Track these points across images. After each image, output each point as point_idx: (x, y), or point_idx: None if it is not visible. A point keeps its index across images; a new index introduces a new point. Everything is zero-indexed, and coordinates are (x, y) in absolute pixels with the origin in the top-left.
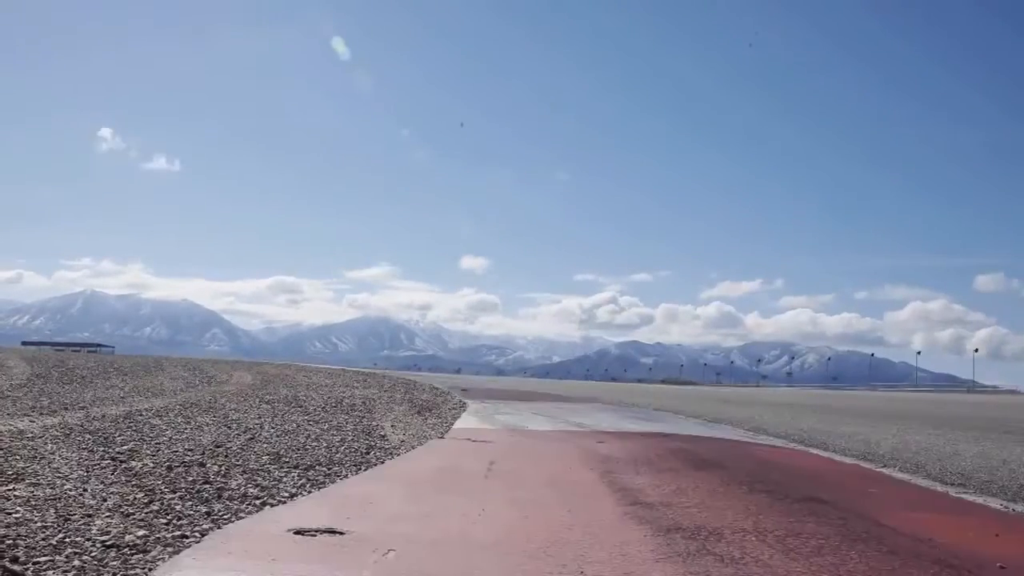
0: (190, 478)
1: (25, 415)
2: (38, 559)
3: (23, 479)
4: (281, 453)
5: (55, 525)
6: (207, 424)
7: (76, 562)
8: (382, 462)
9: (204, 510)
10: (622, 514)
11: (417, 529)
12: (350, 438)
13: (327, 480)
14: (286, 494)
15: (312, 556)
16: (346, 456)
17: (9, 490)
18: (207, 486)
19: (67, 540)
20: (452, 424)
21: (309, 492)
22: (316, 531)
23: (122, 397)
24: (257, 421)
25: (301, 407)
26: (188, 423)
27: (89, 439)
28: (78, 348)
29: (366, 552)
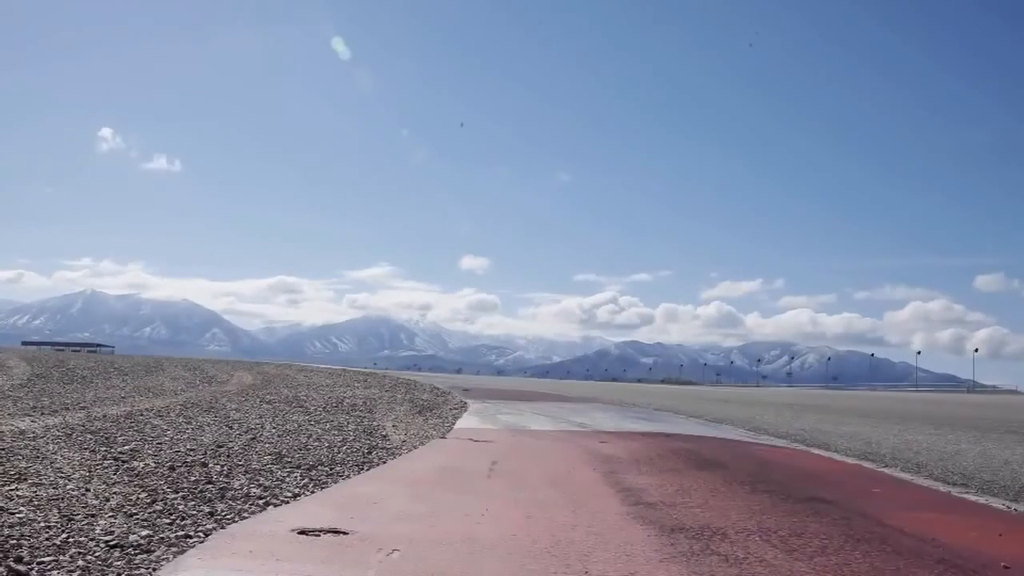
0: (192, 478)
1: (26, 415)
2: (42, 559)
3: (25, 479)
4: (283, 453)
5: (58, 525)
6: (208, 424)
7: (80, 562)
8: (384, 462)
9: (207, 510)
10: (625, 514)
11: (421, 529)
12: (352, 438)
13: (330, 480)
14: (289, 494)
15: (316, 556)
16: (348, 456)
17: (12, 490)
18: (210, 486)
19: (71, 540)
20: (454, 424)
21: (312, 492)
22: (320, 531)
23: (123, 397)
24: (258, 421)
25: (302, 407)
26: (189, 423)
27: (91, 439)
28: (78, 348)
29: (371, 552)
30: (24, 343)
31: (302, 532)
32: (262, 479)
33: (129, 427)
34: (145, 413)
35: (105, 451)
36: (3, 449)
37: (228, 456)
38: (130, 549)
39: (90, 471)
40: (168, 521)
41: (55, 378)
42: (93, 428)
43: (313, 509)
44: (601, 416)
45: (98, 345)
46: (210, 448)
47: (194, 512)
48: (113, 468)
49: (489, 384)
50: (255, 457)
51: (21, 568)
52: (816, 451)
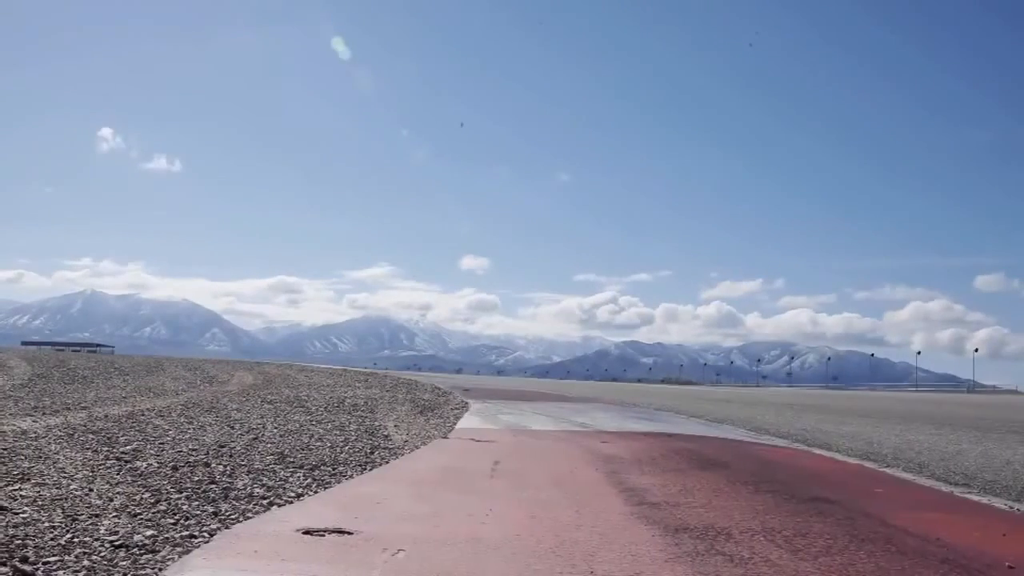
0: (195, 478)
1: (28, 415)
2: (47, 559)
3: (28, 479)
4: (285, 453)
5: (63, 525)
6: (210, 424)
7: (86, 562)
8: (387, 462)
9: (211, 510)
10: (629, 514)
11: (426, 529)
12: (353, 438)
13: (333, 480)
14: (292, 494)
15: (322, 556)
16: (350, 456)
17: (15, 490)
18: (213, 486)
19: (75, 540)
20: (455, 424)
21: (315, 492)
22: (325, 531)
23: (124, 397)
24: (260, 421)
25: (303, 407)
26: (191, 423)
27: (92, 439)
28: (78, 348)
29: (376, 552)
30: (24, 343)
31: (307, 532)
32: (265, 479)
33: (131, 427)
34: (147, 413)
35: (107, 451)
36: (5, 449)
37: (231, 456)
38: (135, 549)
39: (93, 471)
40: (172, 521)
41: (56, 378)
42: (95, 428)
43: (317, 509)
44: (602, 416)
45: (98, 345)
46: (212, 448)
47: (198, 512)
48: (116, 468)
49: (489, 384)
50: (257, 457)
51: (27, 568)
52: (818, 451)
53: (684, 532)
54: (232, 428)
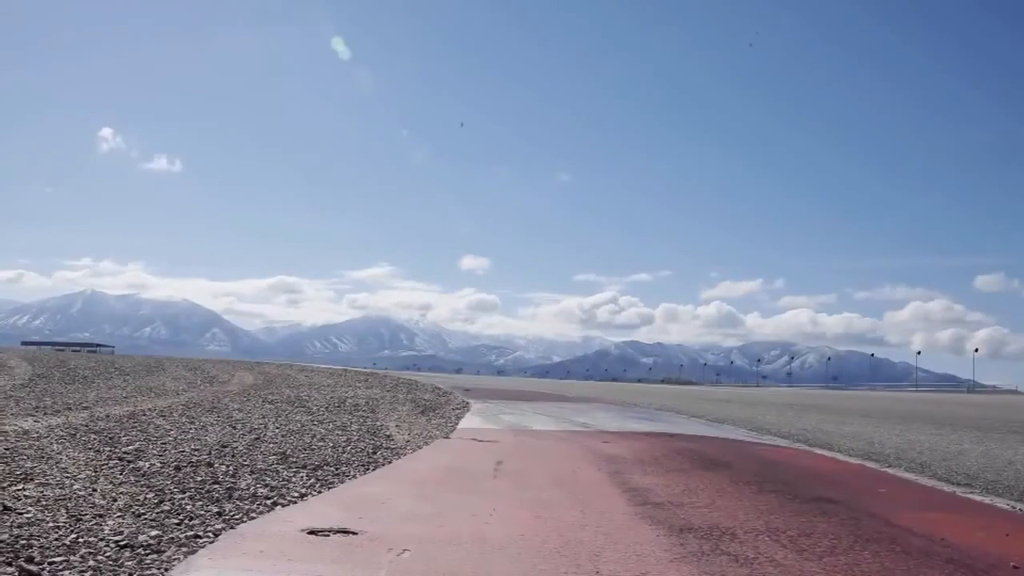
0: (199, 478)
1: (29, 415)
2: (53, 559)
3: (32, 479)
4: (288, 453)
5: (67, 525)
6: (211, 424)
7: (91, 562)
8: (389, 462)
9: (215, 510)
10: (633, 514)
11: (430, 529)
12: (355, 438)
13: (336, 480)
14: (296, 494)
15: (327, 556)
16: (353, 456)
17: (19, 490)
18: (216, 486)
19: (80, 540)
20: (457, 424)
21: (319, 492)
22: (329, 531)
23: (125, 397)
24: (261, 421)
25: (304, 407)
26: (192, 423)
27: (95, 439)
28: (78, 348)
29: (381, 552)
30: (24, 343)
31: (312, 532)
32: (268, 479)
33: (133, 427)
34: (148, 413)
35: (110, 451)
36: (8, 449)
37: (233, 456)
38: (140, 549)
39: (96, 471)
40: (176, 521)
41: (56, 378)
42: (97, 428)
43: (321, 509)
44: (603, 416)
45: (98, 345)
46: (215, 448)
47: (202, 512)
48: (119, 468)
49: (490, 384)
50: (260, 457)
51: (33, 568)
52: (819, 451)
53: (689, 532)
54: (234, 428)
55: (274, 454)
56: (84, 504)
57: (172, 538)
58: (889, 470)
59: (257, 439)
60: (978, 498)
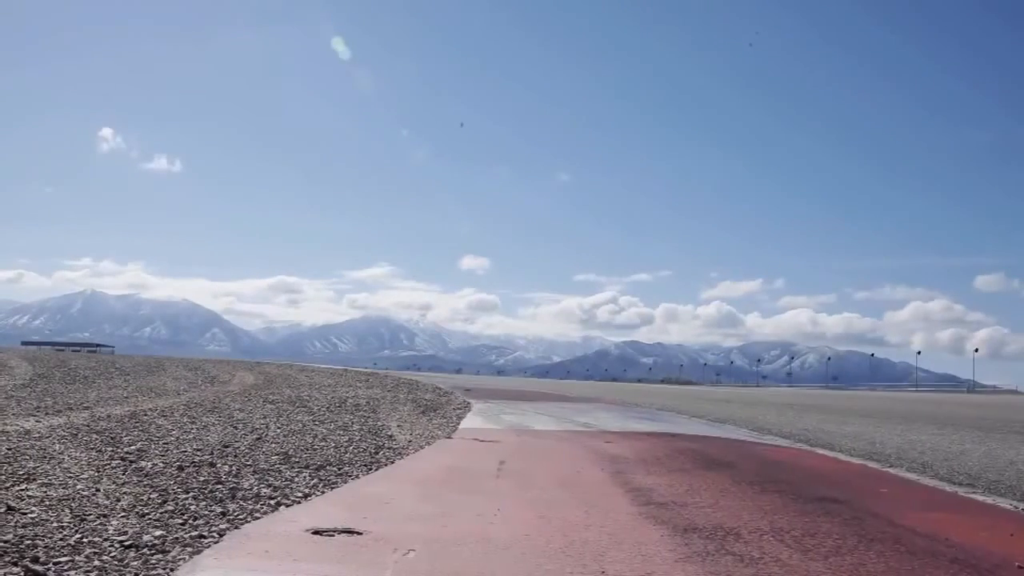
0: (201, 478)
1: (31, 415)
2: (58, 559)
3: (34, 479)
4: (290, 453)
5: (71, 525)
6: (213, 424)
7: (96, 562)
8: (392, 462)
9: (219, 510)
10: (637, 514)
11: (435, 529)
12: (357, 438)
13: (339, 480)
14: (300, 494)
15: (332, 556)
16: (356, 456)
17: (22, 490)
18: (219, 486)
19: (85, 540)
20: (458, 424)
21: (322, 492)
22: (334, 531)
23: (125, 397)
24: (263, 421)
25: (306, 407)
26: (194, 423)
27: (96, 439)
28: (78, 348)
29: (386, 552)
30: (24, 343)
31: (316, 532)
32: (271, 479)
33: (134, 427)
34: (149, 413)
35: (112, 451)
36: (10, 449)
37: (235, 456)
38: (145, 549)
39: (98, 471)
40: (180, 521)
41: (57, 378)
42: (98, 428)
43: (325, 509)
44: (604, 416)
45: (98, 345)
46: (217, 448)
47: (206, 512)
48: (121, 468)
49: (490, 384)
50: (262, 457)
51: (38, 568)
52: (821, 451)
53: (693, 532)
54: (235, 428)
55: (276, 454)
56: (88, 504)
57: (177, 538)
58: (891, 470)
59: (259, 439)
60: (981, 498)
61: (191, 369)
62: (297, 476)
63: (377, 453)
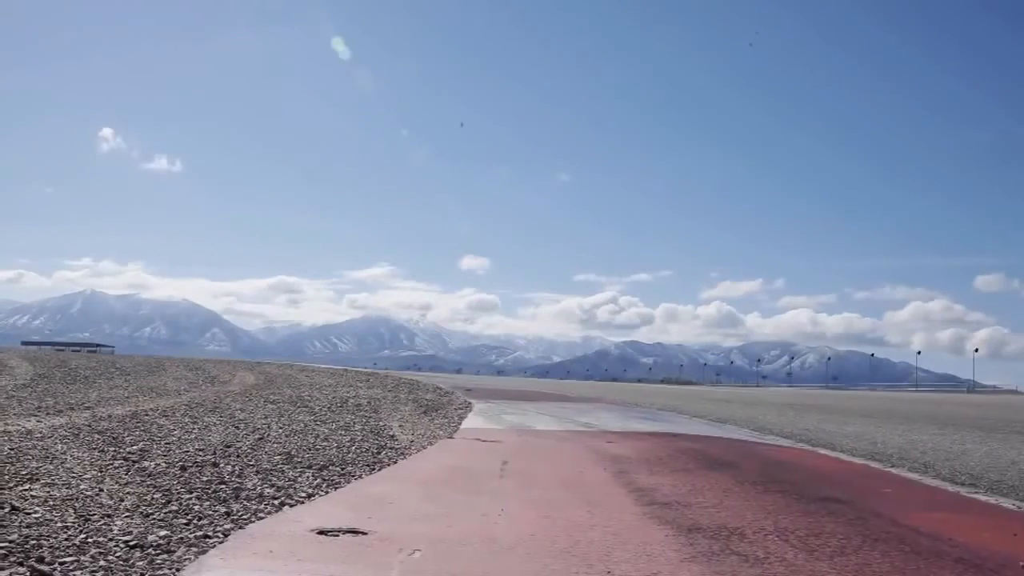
0: (204, 478)
1: (32, 415)
2: (63, 559)
3: (37, 479)
4: (292, 453)
5: (76, 525)
6: (214, 424)
7: (102, 562)
8: (395, 462)
9: (223, 510)
10: (641, 514)
11: (440, 529)
12: (359, 438)
13: (342, 480)
14: (303, 494)
15: (337, 556)
16: (358, 456)
17: (25, 490)
18: (223, 486)
19: (90, 540)
20: (460, 424)
21: (326, 492)
22: (339, 531)
23: (126, 397)
24: (264, 421)
25: (307, 407)
26: (195, 423)
27: (98, 439)
28: (78, 348)
29: (391, 552)
30: (24, 343)
31: (321, 532)
32: (274, 479)
33: (136, 427)
34: (150, 413)
35: (114, 451)
36: (12, 449)
37: (238, 456)
38: (150, 549)
39: (101, 471)
40: (185, 521)
41: (58, 378)
42: (100, 428)
43: (329, 509)
44: (606, 416)
45: (98, 345)
46: (219, 448)
47: (210, 512)
48: (124, 468)
49: (490, 384)
50: (265, 457)
51: (44, 568)
52: (822, 451)
53: (697, 532)
54: (237, 428)
55: (279, 454)
56: (92, 504)
57: (182, 538)
58: (893, 470)
59: (261, 439)
60: (983, 498)
61: (192, 369)
62: (300, 476)
63: (379, 453)
